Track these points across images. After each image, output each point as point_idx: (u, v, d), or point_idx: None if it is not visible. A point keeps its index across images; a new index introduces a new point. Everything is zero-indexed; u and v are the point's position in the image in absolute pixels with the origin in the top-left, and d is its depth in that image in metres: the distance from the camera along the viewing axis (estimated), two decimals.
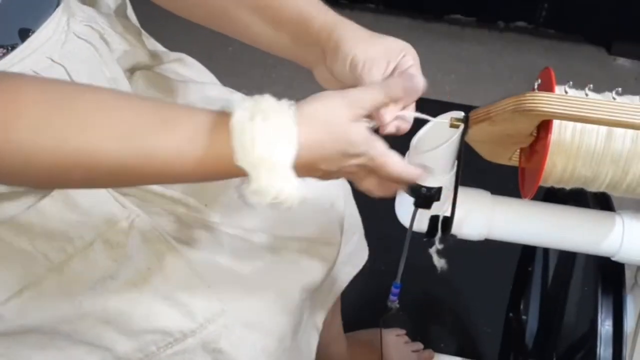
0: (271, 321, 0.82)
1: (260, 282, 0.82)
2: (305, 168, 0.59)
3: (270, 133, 0.56)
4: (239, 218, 0.84)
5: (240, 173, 0.57)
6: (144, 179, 0.61)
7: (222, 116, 0.58)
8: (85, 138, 0.55)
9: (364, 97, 0.62)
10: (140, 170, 0.57)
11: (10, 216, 0.71)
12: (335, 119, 0.60)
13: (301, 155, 0.58)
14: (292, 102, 0.59)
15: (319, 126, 0.59)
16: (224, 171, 0.58)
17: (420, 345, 1.42)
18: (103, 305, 0.74)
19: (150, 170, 0.57)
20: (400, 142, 0.72)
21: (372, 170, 0.64)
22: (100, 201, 0.74)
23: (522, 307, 1.27)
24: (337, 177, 0.64)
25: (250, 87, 1.97)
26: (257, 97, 0.58)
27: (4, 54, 0.67)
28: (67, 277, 0.73)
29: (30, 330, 0.75)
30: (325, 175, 0.62)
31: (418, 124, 0.70)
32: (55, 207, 0.72)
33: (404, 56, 0.69)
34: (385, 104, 0.64)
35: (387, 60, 0.68)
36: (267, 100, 0.58)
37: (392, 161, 0.63)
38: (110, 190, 0.75)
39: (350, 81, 0.69)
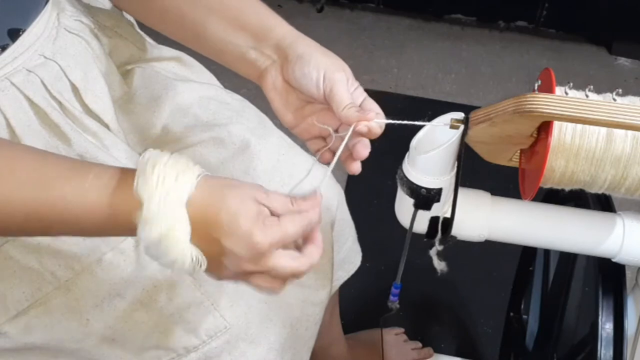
0: (273, 336, 0.82)
1: (262, 297, 0.82)
2: (201, 227, 0.58)
3: (172, 164, 0.57)
4: None
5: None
6: (54, 228, 0.61)
7: (131, 169, 0.59)
8: (1, 187, 0.57)
9: (274, 203, 0.60)
10: (49, 216, 0.58)
11: None
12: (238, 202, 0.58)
13: (196, 203, 0.57)
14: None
15: (220, 191, 0.58)
16: (128, 212, 0.57)
17: (419, 344, 1.42)
18: (109, 323, 0.75)
19: (59, 216, 0.58)
20: (400, 143, 0.72)
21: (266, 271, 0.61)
22: None
23: (522, 306, 1.27)
24: (232, 266, 0.60)
25: (250, 87, 1.97)
26: (175, 153, 0.59)
27: None
28: (74, 295, 0.73)
29: (36, 347, 0.75)
30: (222, 254, 0.59)
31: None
32: None
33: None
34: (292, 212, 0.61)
35: (347, 77, 0.70)
36: (180, 155, 0.59)
37: (283, 263, 0.60)
38: None
39: (311, 90, 0.70)
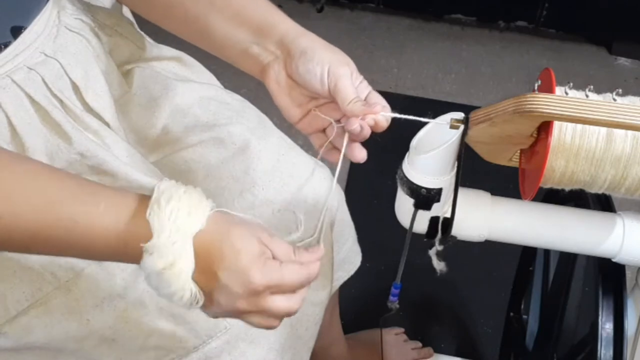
0: (273, 336, 0.82)
1: None
2: (203, 260, 0.58)
3: (186, 200, 0.58)
4: None
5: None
6: (58, 248, 0.61)
7: (143, 195, 0.60)
8: (11, 205, 0.57)
9: (278, 249, 0.61)
10: (57, 237, 0.58)
11: None
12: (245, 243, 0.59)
13: (202, 237, 0.58)
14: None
15: (227, 227, 0.59)
16: (137, 239, 0.58)
17: (418, 344, 1.42)
18: (109, 324, 0.75)
19: (67, 238, 0.58)
20: (400, 143, 0.72)
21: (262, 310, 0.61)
22: None
23: (522, 306, 1.27)
24: (225, 303, 0.60)
25: (250, 87, 1.97)
26: (189, 185, 0.60)
27: None
28: (74, 295, 0.73)
29: (36, 348, 0.75)
30: (218, 289, 0.59)
31: (417, 124, 0.70)
32: None
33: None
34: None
35: (350, 71, 0.71)
36: (195, 188, 0.60)
37: (278, 303, 0.61)
38: None
39: (315, 86, 0.70)
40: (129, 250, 0.59)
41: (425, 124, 0.71)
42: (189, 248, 0.57)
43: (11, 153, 0.65)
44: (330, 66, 0.69)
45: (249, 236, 0.59)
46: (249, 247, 0.59)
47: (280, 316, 0.62)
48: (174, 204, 0.57)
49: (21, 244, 0.60)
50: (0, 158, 0.59)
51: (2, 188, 0.57)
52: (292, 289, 0.61)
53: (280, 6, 0.75)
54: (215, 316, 0.63)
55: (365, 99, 0.71)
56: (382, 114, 0.68)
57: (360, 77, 0.72)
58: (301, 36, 0.72)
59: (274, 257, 0.60)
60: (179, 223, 0.57)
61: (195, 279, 0.58)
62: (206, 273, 0.59)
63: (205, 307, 0.61)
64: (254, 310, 0.60)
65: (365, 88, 0.72)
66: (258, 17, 0.74)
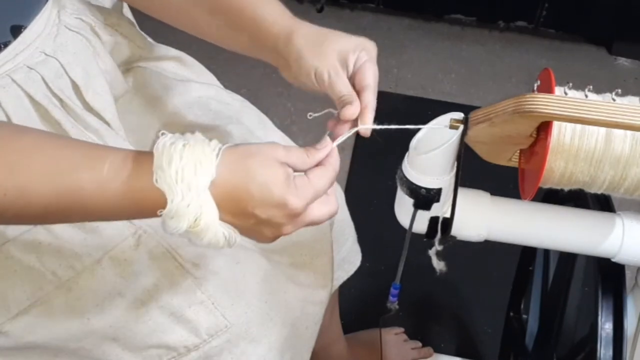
0: (274, 335, 0.83)
1: (263, 296, 0.82)
2: (232, 205, 0.58)
3: (188, 155, 0.57)
4: None
5: (164, 203, 0.57)
6: (75, 216, 0.61)
7: (146, 153, 0.59)
8: (15, 179, 0.56)
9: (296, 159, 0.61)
10: (69, 206, 0.58)
11: (18, 233, 0.72)
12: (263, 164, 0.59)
13: (221, 184, 0.57)
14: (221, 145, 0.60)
15: (243, 164, 0.59)
16: (149, 200, 0.57)
17: (418, 344, 1.42)
18: (110, 322, 0.75)
19: (79, 205, 0.58)
20: (400, 143, 0.72)
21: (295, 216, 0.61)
22: None
23: (522, 306, 1.27)
24: (271, 233, 0.61)
25: (250, 87, 1.97)
26: (187, 134, 0.59)
27: None
28: (75, 295, 0.73)
29: (37, 347, 0.75)
30: (260, 224, 0.60)
31: (417, 124, 0.70)
32: (63, 225, 0.72)
33: (360, 52, 0.71)
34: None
35: (346, 65, 0.70)
36: (194, 134, 0.59)
37: (318, 214, 0.62)
38: None
39: (318, 90, 0.70)
40: (144, 210, 0.58)
41: (424, 124, 0.71)
42: (208, 201, 0.57)
43: (11, 127, 0.64)
44: (316, 73, 0.69)
45: (269, 164, 0.59)
46: (274, 177, 0.58)
47: (324, 221, 0.63)
48: (176, 164, 0.56)
49: (36, 216, 0.60)
50: (1, 132, 0.59)
51: (5, 163, 0.56)
52: (325, 192, 0.62)
53: None
54: (267, 242, 0.63)
55: (361, 94, 0.69)
56: (372, 126, 0.68)
57: (354, 58, 0.70)
58: (291, 39, 0.71)
59: (295, 170, 0.60)
60: (188, 182, 0.56)
61: (230, 222, 0.59)
62: (241, 215, 0.59)
63: (249, 237, 0.62)
64: (300, 227, 0.61)
65: (365, 74, 0.70)
66: (250, 23, 0.73)
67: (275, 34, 0.72)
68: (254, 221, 0.59)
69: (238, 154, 0.59)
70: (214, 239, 0.58)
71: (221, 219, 0.58)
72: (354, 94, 0.68)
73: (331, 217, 0.63)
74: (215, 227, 0.58)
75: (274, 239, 0.62)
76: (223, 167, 0.58)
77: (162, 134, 0.59)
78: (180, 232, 0.57)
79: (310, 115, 0.72)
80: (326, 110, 0.71)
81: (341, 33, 0.72)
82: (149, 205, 0.57)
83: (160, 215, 0.57)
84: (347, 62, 0.70)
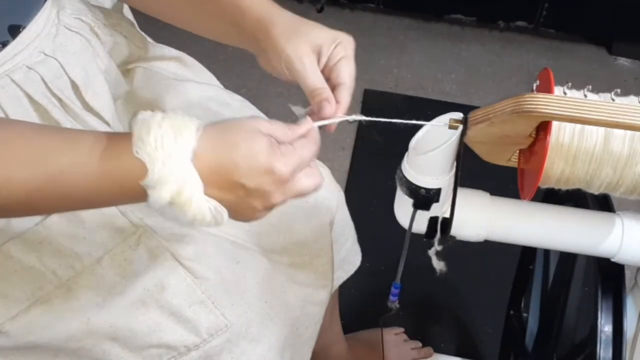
0: (274, 335, 0.83)
1: (263, 296, 0.82)
2: (218, 179, 0.58)
3: (167, 124, 0.56)
4: (230, 228, 0.84)
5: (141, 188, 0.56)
6: (60, 203, 0.60)
7: (124, 132, 0.58)
8: None
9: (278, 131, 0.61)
10: (52, 191, 0.57)
11: (19, 233, 0.72)
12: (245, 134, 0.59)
13: (205, 158, 0.57)
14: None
15: (226, 137, 0.58)
16: (130, 178, 0.57)
17: (418, 343, 1.42)
18: (110, 322, 0.75)
19: (61, 190, 0.58)
20: (400, 143, 0.72)
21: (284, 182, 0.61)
22: (107, 217, 0.75)
23: (522, 305, 1.27)
24: (261, 204, 0.60)
25: (250, 87, 1.97)
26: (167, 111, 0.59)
27: None
28: (75, 294, 0.73)
29: (37, 346, 0.75)
30: (249, 195, 0.59)
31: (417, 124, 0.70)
32: (63, 224, 0.73)
33: (335, 47, 0.70)
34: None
35: (319, 55, 0.70)
36: (174, 111, 0.59)
37: (304, 184, 0.62)
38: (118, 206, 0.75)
39: (291, 80, 0.71)
40: (127, 190, 0.57)
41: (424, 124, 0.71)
42: (191, 170, 0.56)
43: None
44: (287, 60, 0.69)
45: (252, 134, 0.58)
46: (259, 145, 0.58)
47: (311, 192, 0.63)
48: (155, 132, 0.55)
49: (20, 205, 0.59)
50: None
51: None
52: (309, 163, 0.62)
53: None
54: (252, 220, 0.62)
55: (333, 88, 0.69)
56: (354, 118, 0.68)
57: (328, 53, 0.70)
58: (268, 25, 0.71)
59: (277, 142, 0.60)
60: (168, 150, 0.55)
61: (217, 197, 0.58)
62: (229, 187, 0.58)
63: (239, 217, 0.61)
64: (289, 197, 0.61)
65: (341, 68, 0.70)
66: (230, 8, 0.73)
67: (255, 19, 0.72)
68: (242, 192, 0.58)
69: (219, 129, 0.59)
70: (200, 213, 0.57)
71: (208, 194, 0.57)
72: (328, 89, 0.69)
73: (317, 189, 0.63)
74: (199, 199, 0.57)
75: (265, 211, 0.61)
76: (205, 141, 0.57)
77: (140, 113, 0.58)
78: (163, 203, 0.56)
79: (292, 108, 0.72)
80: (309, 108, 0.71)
81: (317, 24, 0.72)
82: (131, 185, 0.57)
83: (144, 188, 0.56)
84: (320, 54, 0.70)
